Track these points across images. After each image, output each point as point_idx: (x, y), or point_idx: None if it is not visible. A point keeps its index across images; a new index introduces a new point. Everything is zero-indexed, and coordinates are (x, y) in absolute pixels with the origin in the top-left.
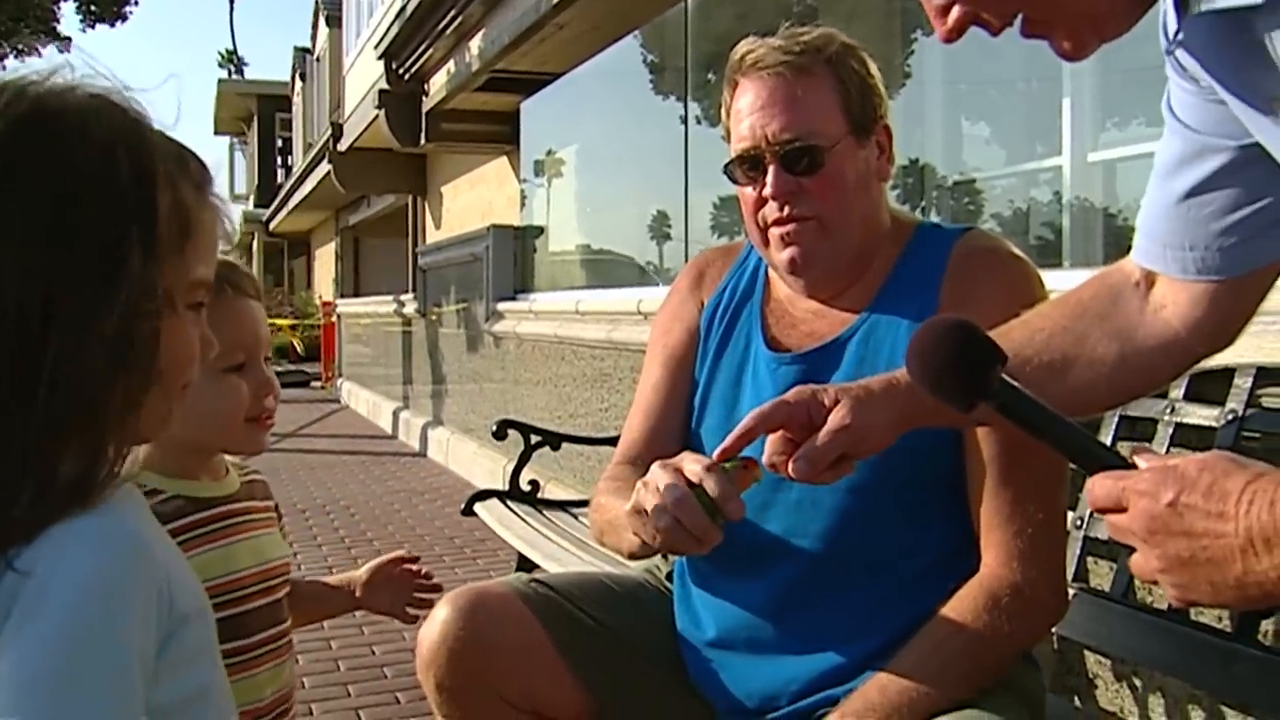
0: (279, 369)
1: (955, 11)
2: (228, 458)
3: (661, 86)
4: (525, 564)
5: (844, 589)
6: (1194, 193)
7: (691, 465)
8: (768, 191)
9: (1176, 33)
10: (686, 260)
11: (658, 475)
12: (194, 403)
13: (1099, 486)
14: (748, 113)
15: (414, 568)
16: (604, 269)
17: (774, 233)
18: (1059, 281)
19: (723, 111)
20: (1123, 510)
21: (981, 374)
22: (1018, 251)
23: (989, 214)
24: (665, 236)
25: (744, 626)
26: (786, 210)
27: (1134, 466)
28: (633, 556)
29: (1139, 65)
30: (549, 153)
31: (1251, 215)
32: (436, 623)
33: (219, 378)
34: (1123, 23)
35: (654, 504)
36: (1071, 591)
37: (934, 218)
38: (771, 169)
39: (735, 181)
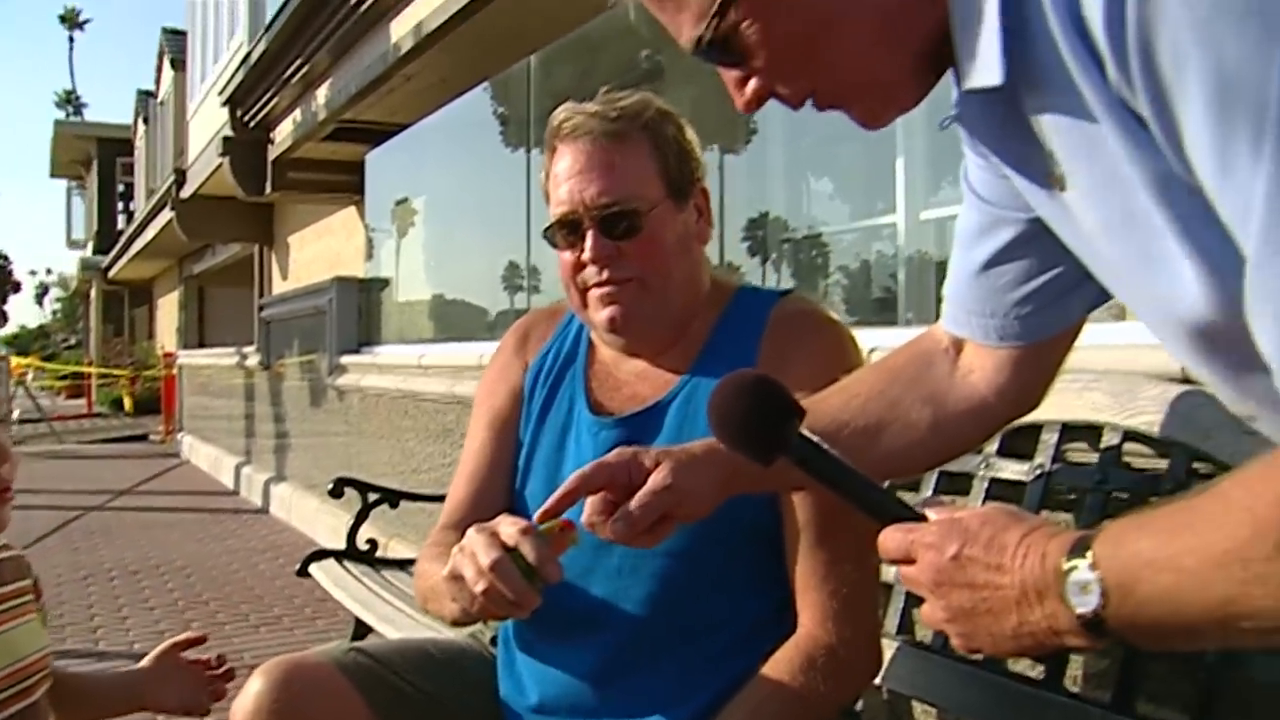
0: (115, 422)
1: (752, 84)
2: None
3: (509, 139)
4: (362, 627)
5: (667, 653)
6: (991, 263)
7: (507, 529)
8: (586, 255)
9: (953, 108)
10: (529, 309)
11: (474, 540)
12: None
13: (889, 539)
14: (565, 178)
15: (203, 656)
16: (454, 320)
17: (593, 294)
18: (895, 339)
19: (543, 175)
20: (912, 562)
21: (779, 427)
22: (834, 315)
23: (835, 267)
24: (516, 288)
25: (567, 693)
26: (606, 274)
27: (924, 519)
28: (455, 623)
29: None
30: (398, 203)
31: (1045, 284)
32: (249, 695)
33: None
34: (912, 95)
35: (470, 569)
36: (896, 644)
37: (783, 270)
38: (590, 233)
39: (555, 246)
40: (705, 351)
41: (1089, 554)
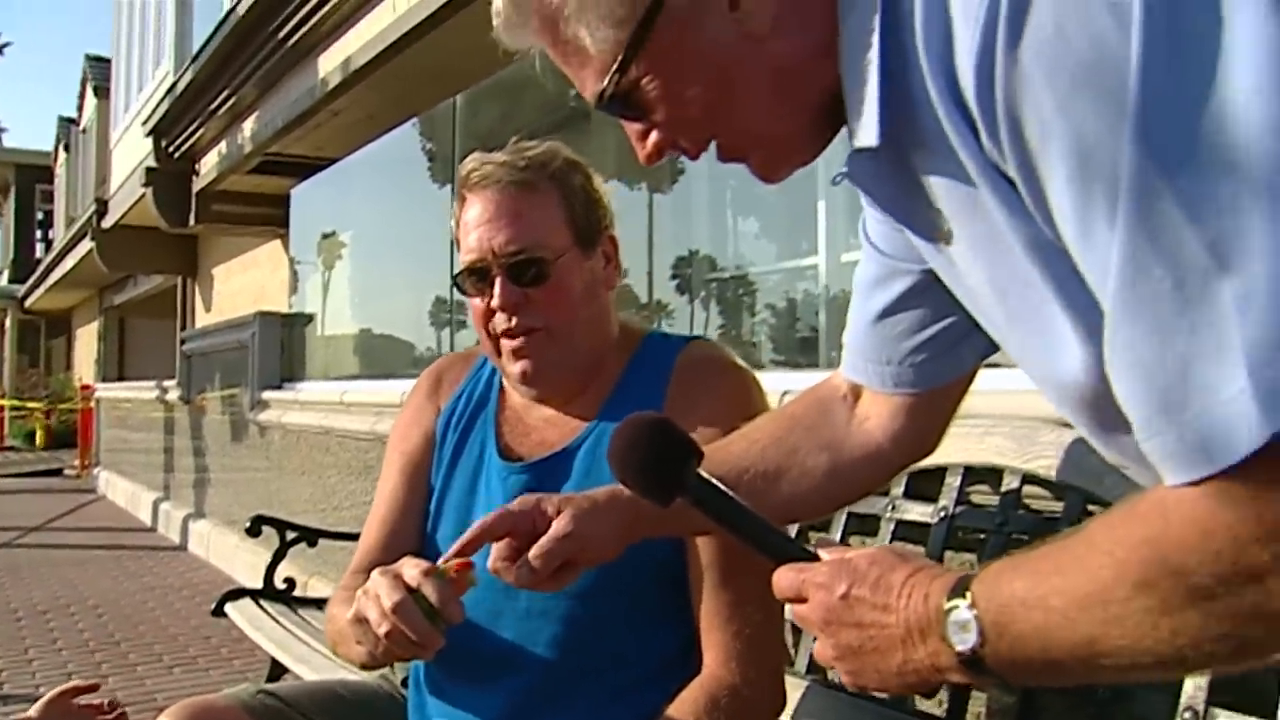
0: (29, 456)
1: (654, 136)
2: None
3: (436, 175)
4: (278, 667)
5: (575, 693)
6: (887, 312)
7: (410, 570)
8: (495, 303)
9: (845, 165)
10: (452, 346)
11: (377, 582)
12: None
13: (782, 578)
14: (474, 226)
15: (95, 700)
16: (380, 355)
17: (505, 345)
18: (816, 380)
19: (453, 223)
20: (804, 600)
21: (678, 469)
22: (740, 361)
23: (761, 306)
24: (443, 323)
25: None
26: (514, 321)
27: (817, 558)
28: (364, 666)
29: None
30: (325, 236)
31: (939, 333)
32: None
33: None
34: (810, 150)
35: (374, 611)
36: (805, 683)
37: (711, 308)
38: (498, 281)
39: (465, 293)
40: (613, 397)
41: (968, 594)
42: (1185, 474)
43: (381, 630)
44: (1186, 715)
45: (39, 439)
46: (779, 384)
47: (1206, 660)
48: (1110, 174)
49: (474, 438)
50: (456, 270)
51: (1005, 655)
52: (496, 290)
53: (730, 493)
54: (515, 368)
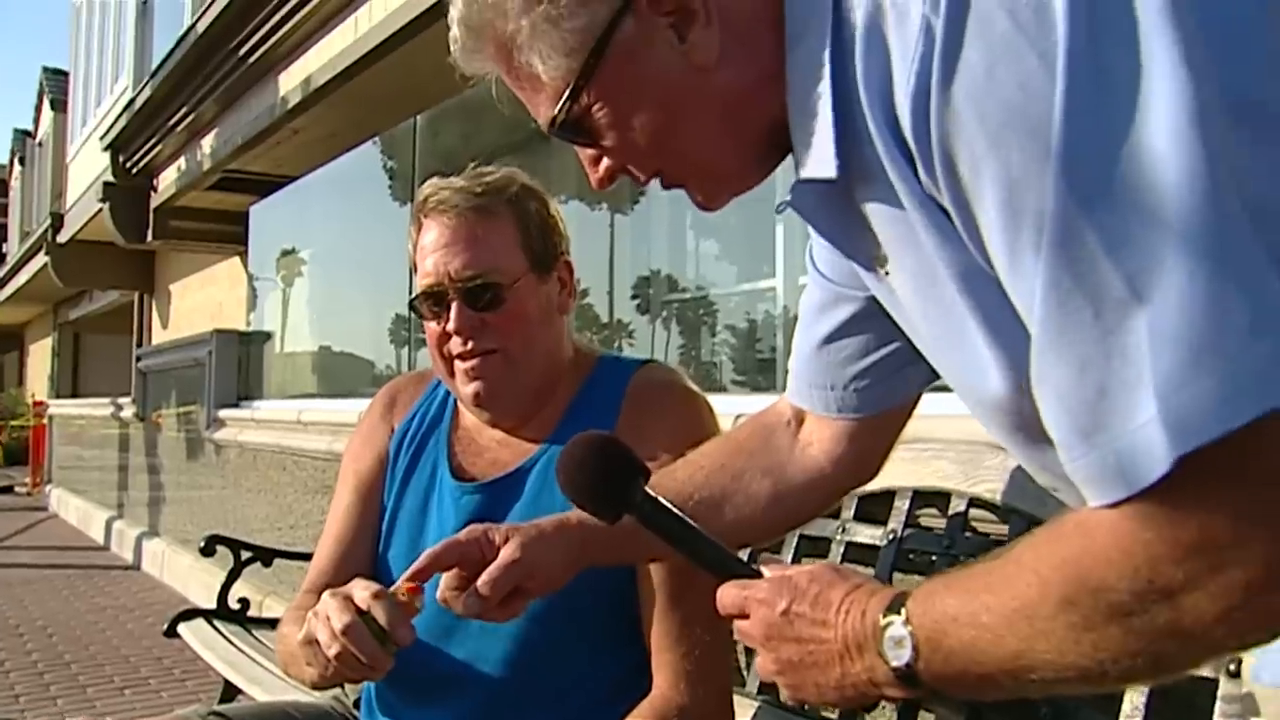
0: None
1: (605, 162)
2: None
3: (397, 194)
4: (231, 689)
5: (525, 714)
6: (831, 338)
7: (360, 593)
8: (451, 326)
9: (789, 194)
10: (411, 363)
11: (327, 604)
12: None
13: (725, 595)
14: (431, 250)
15: None
16: (339, 373)
17: (459, 366)
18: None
19: (410, 247)
20: (746, 617)
21: (625, 486)
22: (692, 385)
23: (721, 326)
24: (403, 341)
25: None
26: (470, 345)
27: (760, 575)
28: (315, 687)
29: None
30: (285, 253)
31: (882, 359)
32: None
33: None
34: (753, 178)
35: (324, 633)
36: (757, 704)
37: (672, 327)
38: (454, 305)
39: (420, 317)
40: (566, 419)
41: (903, 610)
42: (1104, 496)
43: (331, 652)
44: None
45: None
46: (737, 406)
47: (1127, 674)
48: (1036, 208)
49: (426, 458)
50: (413, 294)
51: (938, 670)
52: (453, 314)
53: (677, 511)
54: (468, 390)
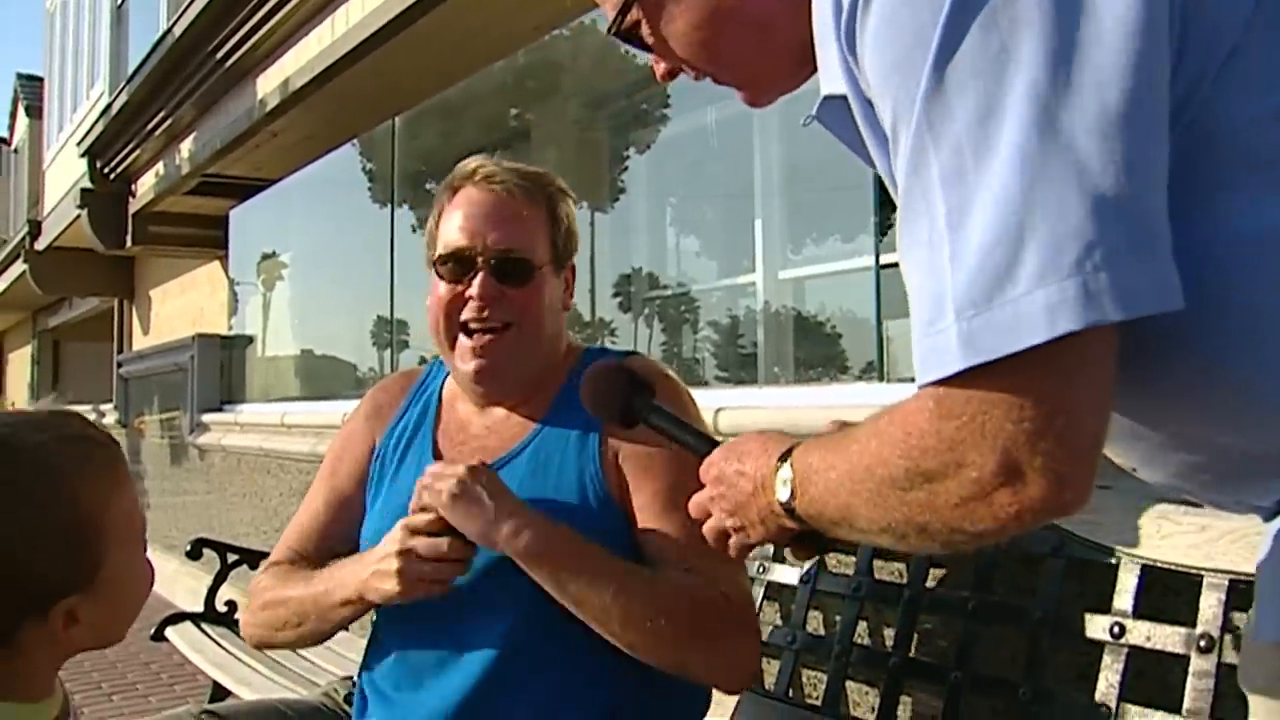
0: None
1: (663, 64)
2: None
3: (377, 195)
4: (220, 690)
5: (525, 689)
6: None
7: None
8: (474, 292)
9: (814, 109)
10: (394, 366)
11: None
12: None
13: (701, 472)
14: (468, 216)
15: None
16: (322, 376)
17: (465, 342)
18: (754, 398)
19: (434, 216)
20: (703, 485)
21: (638, 400)
22: (673, 375)
23: (703, 322)
24: (385, 343)
25: None
26: (486, 315)
27: None
28: (339, 626)
29: (824, 188)
30: (265, 257)
31: None
32: None
33: None
34: (791, 84)
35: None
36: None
37: (654, 325)
38: (481, 273)
39: (441, 277)
40: (555, 407)
41: (789, 458)
42: (919, 378)
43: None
44: (1102, 711)
45: None
46: (719, 400)
47: (912, 538)
48: (904, 138)
49: (413, 456)
50: (437, 253)
51: (806, 509)
52: (478, 282)
53: (677, 415)
54: (470, 365)
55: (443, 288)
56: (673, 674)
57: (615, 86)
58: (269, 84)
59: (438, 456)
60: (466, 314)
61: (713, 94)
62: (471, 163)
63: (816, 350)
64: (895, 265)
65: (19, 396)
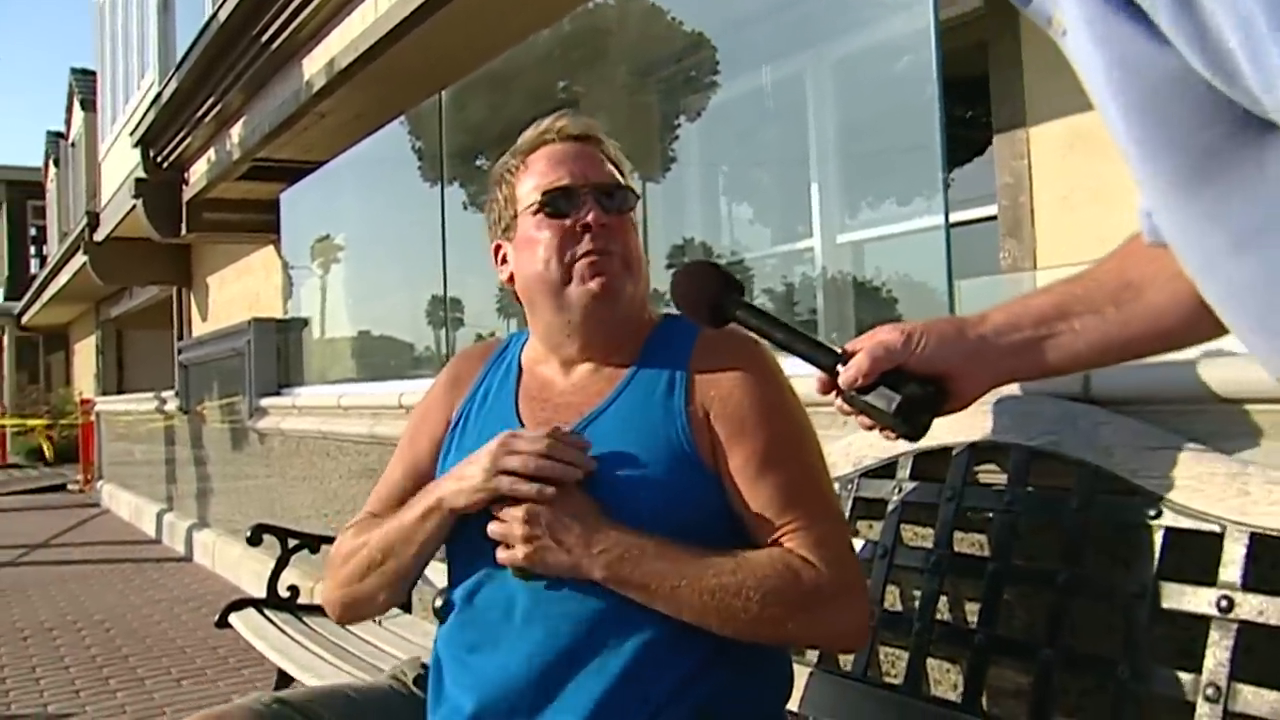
0: (33, 473)
1: None
2: None
3: (427, 173)
4: (285, 677)
5: (611, 651)
6: None
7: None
8: (590, 218)
9: None
10: (449, 345)
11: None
12: None
13: None
14: (562, 160)
15: None
16: (379, 356)
17: (583, 266)
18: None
19: (503, 185)
20: None
21: (727, 298)
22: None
23: (759, 290)
24: (440, 322)
25: (504, 698)
26: (600, 242)
27: (844, 357)
28: (426, 552)
29: (883, 148)
30: (320, 240)
31: None
32: None
33: None
34: None
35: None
36: (809, 670)
37: None
38: (590, 201)
39: (550, 215)
40: (638, 365)
41: None
42: None
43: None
44: (1209, 691)
45: (48, 454)
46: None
47: None
48: None
49: (493, 417)
50: (539, 196)
51: None
52: (591, 210)
53: (768, 313)
54: (593, 284)
55: (548, 229)
56: (781, 645)
57: (663, 52)
58: (314, 65)
59: (519, 419)
60: (581, 246)
61: (763, 56)
62: (538, 126)
63: (879, 316)
64: (966, 224)
65: (86, 386)
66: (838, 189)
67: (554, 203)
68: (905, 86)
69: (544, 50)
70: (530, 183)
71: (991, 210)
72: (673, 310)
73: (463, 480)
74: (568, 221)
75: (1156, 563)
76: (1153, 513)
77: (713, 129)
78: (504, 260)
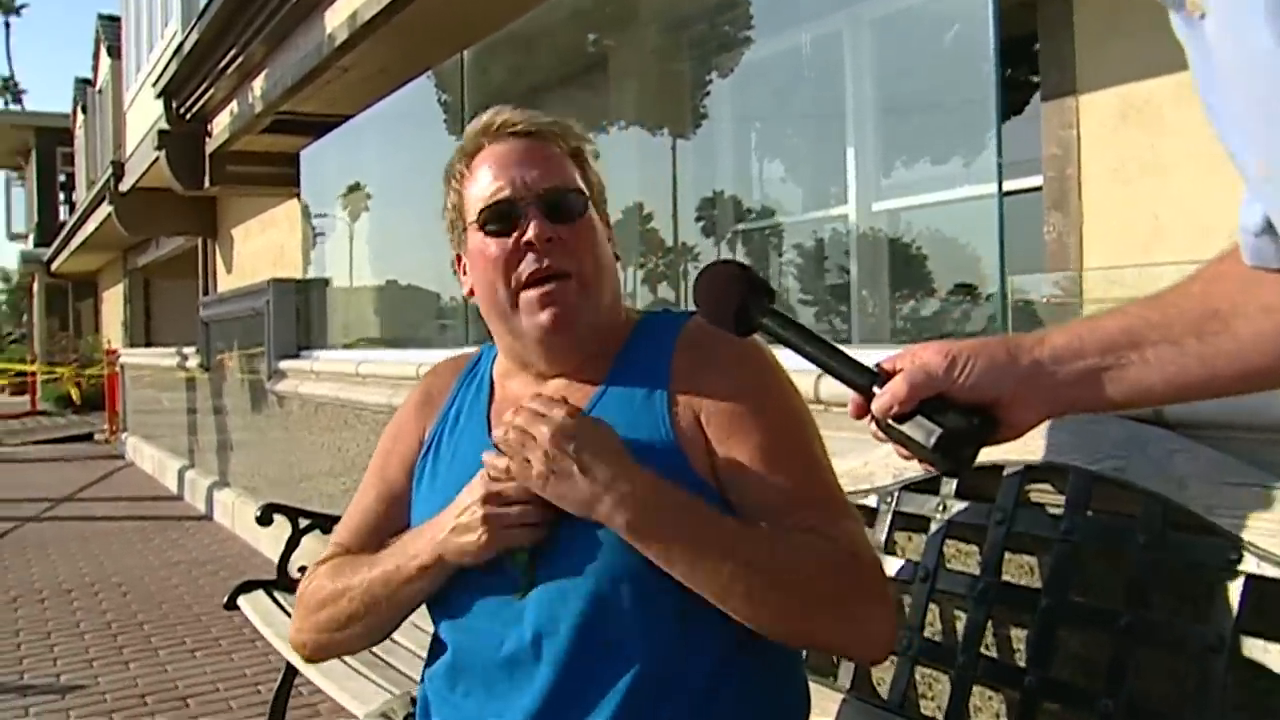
0: (60, 420)
1: None
2: None
3: (453, 128)
4: (292, 670)
5: (608, 686)
6: None
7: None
8: (531, 235)
9: None
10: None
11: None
12: None
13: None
14: (501, 166)
15: None
16: (407, 307)
17: (528, 295)
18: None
19: (453, 189)
20: None
21: (754, 304)
22: None
23: (789, 246)
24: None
25: None
26: (545, 261)
27: (877, 374)
28: (411, 607)
29: (927, 112)
30: (349, 190)
31: None
32: None
33: None
34: None
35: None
36: (842, 696)
37: (738, 251)
38: (531, 216)
39: (488, 235)
40: (613, 374)
41: None
42: None
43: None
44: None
45: (76, 398)
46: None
47: None
48: None
49: (465, 438)
50: (477, 212)
51: None
52: (531, 225)
53: (798, 323)
54: (540, 317)
55: (492, 246)
56: (798, 646)
57: (695, 9)
58: (337, 18)
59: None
60: (524, 266)
61: (799, 14)
62: (486, 116)
63: (912, 285)
64: (1020, 192)
65: (114, 334)
66: (874, 155)
67: (494, 219)
68: (956, 45)
69: (573, 5)
70: (472, 191)
71: (1032, 181)
72: (651, 310)
73: (459, 528)
74: (509, 240)
75: (1235, 613)
76: (1233, 556)
77: (745, 87)
78: (465, 271)
